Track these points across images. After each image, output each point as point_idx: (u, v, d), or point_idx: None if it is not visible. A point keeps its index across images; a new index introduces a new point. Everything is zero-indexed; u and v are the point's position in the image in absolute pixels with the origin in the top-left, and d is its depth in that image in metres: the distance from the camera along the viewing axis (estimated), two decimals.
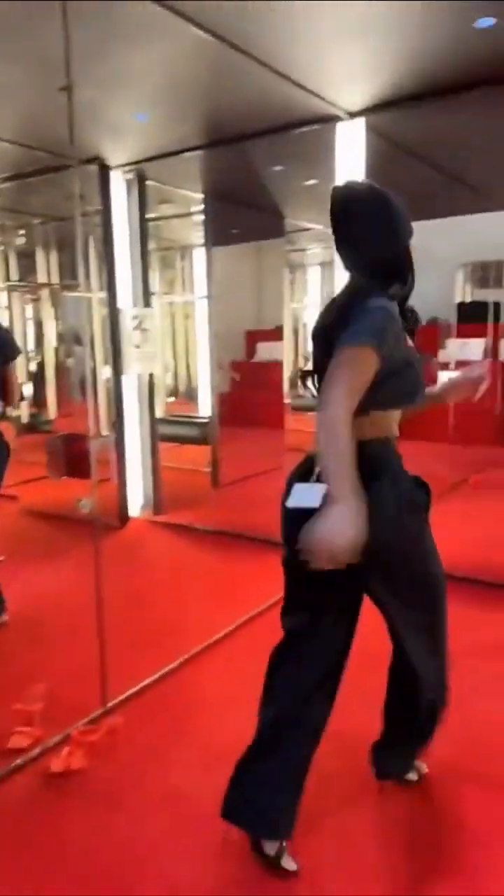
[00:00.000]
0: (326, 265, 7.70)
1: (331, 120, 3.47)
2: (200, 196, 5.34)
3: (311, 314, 9.17)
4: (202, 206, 5.43)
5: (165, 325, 7.62)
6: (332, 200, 1.71)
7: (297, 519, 1.46)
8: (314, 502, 1.48)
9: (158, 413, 4.86)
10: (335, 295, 1.68)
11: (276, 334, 6.75)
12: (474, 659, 2.56)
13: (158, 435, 4.80)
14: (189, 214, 6.05)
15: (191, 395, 7.60)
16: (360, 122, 3.43)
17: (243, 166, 4.64)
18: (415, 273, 1.69)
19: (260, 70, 2.90)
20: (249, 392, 4.83)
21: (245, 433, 5.95)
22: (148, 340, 2.92)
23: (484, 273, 6.98)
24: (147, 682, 2.51)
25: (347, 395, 1.44)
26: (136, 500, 4.74)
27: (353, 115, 3.43)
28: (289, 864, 1.67)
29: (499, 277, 6.55)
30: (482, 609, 3.07)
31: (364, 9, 2.41)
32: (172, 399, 7.46)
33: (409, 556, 1.60)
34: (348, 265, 1.70)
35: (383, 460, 1.58)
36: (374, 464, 1.53)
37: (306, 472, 1.59)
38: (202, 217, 5.48)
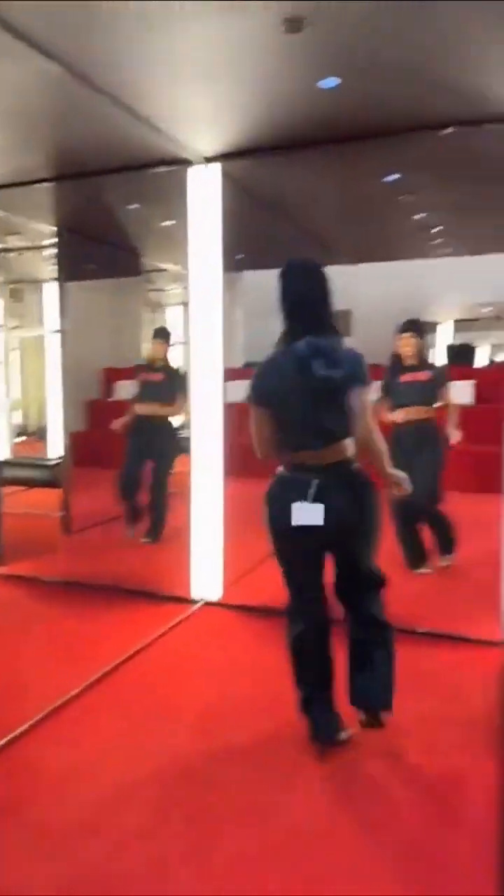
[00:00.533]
0: (185, 305, 7.74)
1: (185, 163, 3.47)
2: (53, 229, 5.15)
3: (174, 354, 9.15)
4: (55, 240, 5.23)
5: (14, 360, 7.22)
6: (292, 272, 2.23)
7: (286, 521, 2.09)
8: (317, 520, 2.03)
9: (3, 454, 4.51)
10: (323, 344, 2.07)
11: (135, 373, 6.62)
12: None
13: (1, 478, 4.44)
14: (41, 247, 5.82)
15: (42, 435, 7.22)
16: (216, 168, 3.47)
17: (99, 202, 4.55)
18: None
19: (113, 107, 2.84)
20: (107, 432, 4.63)
21: (102, 475, 5.70)
22: None
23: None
24: None
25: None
26: None
27: (207, 160, 3.46)
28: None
29: (346, 326, 6.96)
30: None
31: (214, 54, 2.44)
32: (22, 439, 7.03)
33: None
34: (314, 323, 2.13)
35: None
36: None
37: (300, 492, 2.07)
38: (55, 251, 5.28)
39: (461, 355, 9.18)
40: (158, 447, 4.63)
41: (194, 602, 3.63)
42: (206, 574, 3.66)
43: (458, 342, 11.12)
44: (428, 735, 2.36)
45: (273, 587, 3.99)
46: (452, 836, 1.86)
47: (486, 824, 1.86)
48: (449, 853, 1.80)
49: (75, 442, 5.33)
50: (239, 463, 3.79)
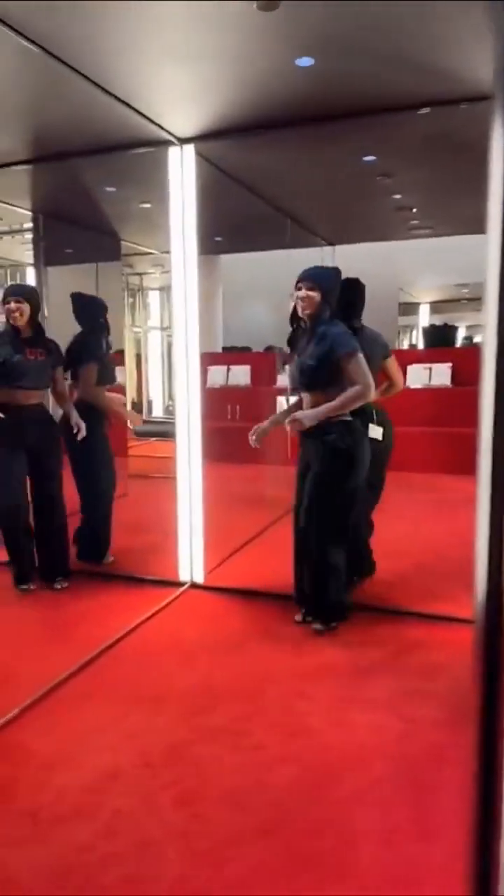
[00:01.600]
0: (166, 290, 7.69)
1: (162, 144, 3.44)
2: (30, 213, 5.08)
3: (153, 338, 9.09)
4: (32, 224, 5.17)
5: None
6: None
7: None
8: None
9: None
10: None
11: (116, 358, 6.58)
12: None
13: None
14: (19, 231, 5.74)
15: None
16: (190, 149, 3.44)
17: (76, 185, 4.49)
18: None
19: (89, 88, 2.80)
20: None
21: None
22: None
23: None
24: None
25: None
26: None
27: (183, 141, 3.43)
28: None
29: None
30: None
31: (191, 34, 2.41)
32: None
33: None
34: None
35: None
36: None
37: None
38: (32, 235, 5.21)
39: (439, 336, 9.19)
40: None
41: (181, 584, 3.66)
42: (192, 556, 3.69)
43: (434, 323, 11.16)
44: (408, 710, 2.42)
45: (255, 570, 4.05)
46: (431, 812, 1.92)
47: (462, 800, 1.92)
48: (428, 829, 1.85)
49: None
50: (216, 448, 3.81)
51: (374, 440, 3.20)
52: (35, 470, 3.58)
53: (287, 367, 3.09)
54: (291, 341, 3.12)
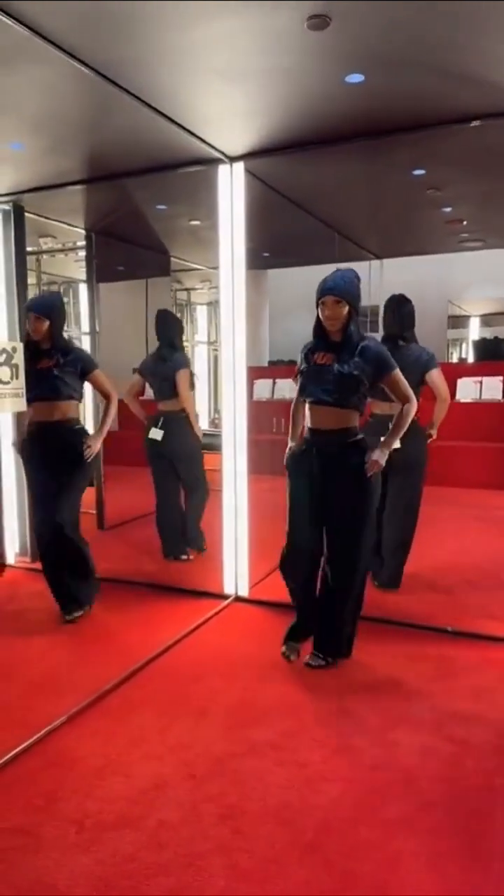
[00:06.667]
0: (213, 305, 7.78)
1: (212, 162, 3.50)
2: (83, 231, 5.23)
3: (200, 352, 9.20)
4: (85, 241, 5.31)
5: None
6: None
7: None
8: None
9: None
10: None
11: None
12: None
13: None
14: (73, 249, 5.91)
15: None
16: (240, 167, 3.49)
17: (128, 204, 4.61)
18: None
19: (141, 108, 2.87)
20: (139, 431, 4.70)
21: (133, 473, 5.78)
22: (18, 377, 2.75)
23: (360, 318, 7.37)
24: (15, 751, 2.27)
25: None
26: (12, 547, 4.42)
27: (232, 158, 3.48)
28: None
29: (375, 321, 6.91)
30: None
31: (240, 53, 2.46)
32: None
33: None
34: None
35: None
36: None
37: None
38: (85, 252, 5.36)
39: (490, 349, 9.02)
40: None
41: (226, 597, 3.67)
42: (237, 569, 3.70)
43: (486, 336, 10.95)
44: (457, 732, 2.35)
45: None
46: (480, 838, 1.86)
47: None
48: (476, 856, 1.80)
49: (108, 441, 5.40)
50: (262, 460, 3.83)
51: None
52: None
53: (299, 377, 2.78)
54: (310, 354, 2.76)
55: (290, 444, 2.87)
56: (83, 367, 3.37)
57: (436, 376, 3.58)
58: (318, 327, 2.71)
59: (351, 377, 2.62)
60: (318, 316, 2.68)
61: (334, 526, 2.75)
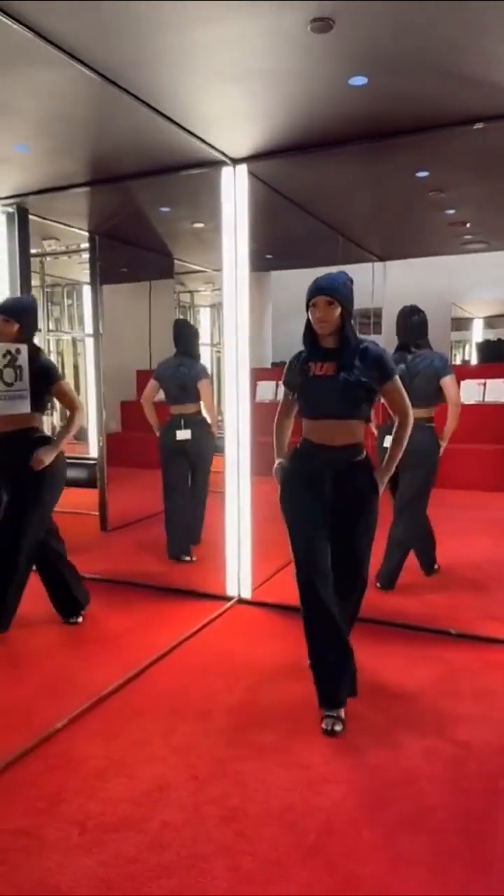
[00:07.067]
0: (216, 307, 7.79)
1: (215, 165, 3.51)
2: (87, 233, 5.24)
3: (204, 354, 9.24)
4: (89, 244, 5.33)
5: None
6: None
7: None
8: None
9: None
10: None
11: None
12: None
13: None
14: (77, 251, 5.93)
15: (80, 436, 7.33)
16: (243, 169, 3.49)
17: (131, 206, 4.62)
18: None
19: (145, 111, 2.88)
20: (141, 432, 4.70)
21: (136, 474, 5.79)
22: (21, 378, 2.75)
23: (364, 320, 7.35)
24: (18, 753, 2.28)
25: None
26: None
27: (235, 161, 3.49)
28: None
29: (378, 323, 6.90)
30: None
31: (244, 56, 2.46)
32: None
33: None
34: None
35: None
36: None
37: None
38: (89, 255, 5.37)
39: (494, 351, 9.01)
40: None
41: (229, 599, 3.67)
42: (240, 571, 3.70)
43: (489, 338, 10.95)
44: (460, 735, 2.35)
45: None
46: (482, 841, 1.85)
47: None
48: (478, 859, 1.79)
49: (110, 442, 5.42)
50: (265, 463, 3.83)
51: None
52: None
53: (294, 394, 2.57)
54: (305, 365, 2.49)
55: (279, 460, 2.64)
56: (38, 383, 3.06)
57: (449, 383, 3.65)
58: (310, 333, 2.47)
59: (359, 385, 2.38)
60: (308, 321, 2.45)
61: (339, 549, 2.49)
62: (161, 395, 4.47)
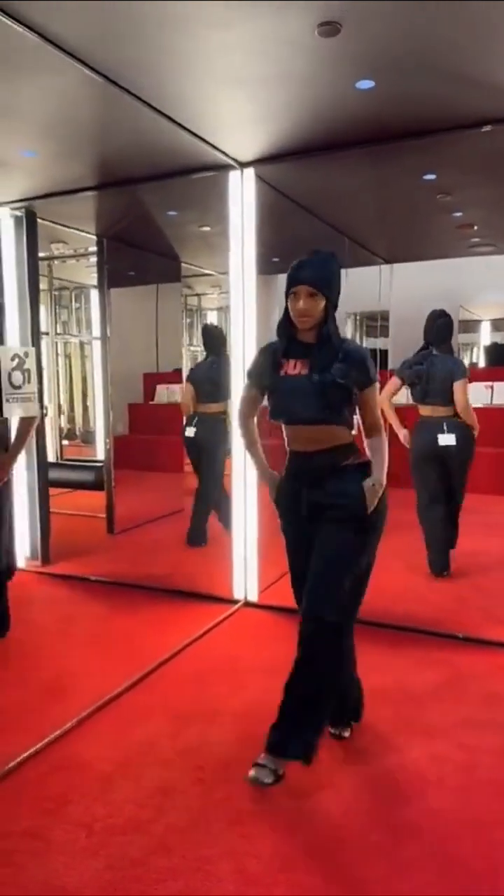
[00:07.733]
0: (223, 310, 7.80)
1: (222, 168, 3.52)
2: (95, 237, 5.26)
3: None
4: (96, 247, 5.35)
5: (61, 366, 7.39)
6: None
7: None
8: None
9: (52, 457, 4.63)
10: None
11: (174, 377, 6.71)
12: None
13: (48, 480, 4.56)
14: (84, 255, 5.95)
15: (87, 439, 7.36)
16: (250, 173, 3.50)
17: (139, 209, 4.63)
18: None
19: (152, 115, 2.89)
20: (148, 435, 4.72)
21: (143, 477, 5.81)
22: (30, 381, 2.76)
23: (371, 322, 7.34)
24: (25, 755, 2.28)
25: None
26: (22, 551, 4.45)
27: (243, 164, 3.49)
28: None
29: (385, 327, 6.89)
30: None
31: (251, 60, 2.47)
32: (67, 442, 7.20)
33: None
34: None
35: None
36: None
37: None
38: (96, 258, 5.39)
39: (502, 354, 8.97)
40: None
41: (235, 602, 3.67)
42: (246, 574, 3.70)
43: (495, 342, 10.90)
44: (468, 740, 2.34)
45: None
46: (490, 847, 1.84)
47: None
48: (487, 865, 1.78)
49: (118, 445, 5.43)
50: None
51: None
52: None
53: (265, 395, 2.28)
54: (276, 362, 2.18)
55: (270, 475, 2.39)
56: None
57: (458, 387, 3.84)
58: (286, 324, 2.14)
59: (335, 386, 2.06)
60: (286, 309, 2.13)
61: (315, 562, 2.16)
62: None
